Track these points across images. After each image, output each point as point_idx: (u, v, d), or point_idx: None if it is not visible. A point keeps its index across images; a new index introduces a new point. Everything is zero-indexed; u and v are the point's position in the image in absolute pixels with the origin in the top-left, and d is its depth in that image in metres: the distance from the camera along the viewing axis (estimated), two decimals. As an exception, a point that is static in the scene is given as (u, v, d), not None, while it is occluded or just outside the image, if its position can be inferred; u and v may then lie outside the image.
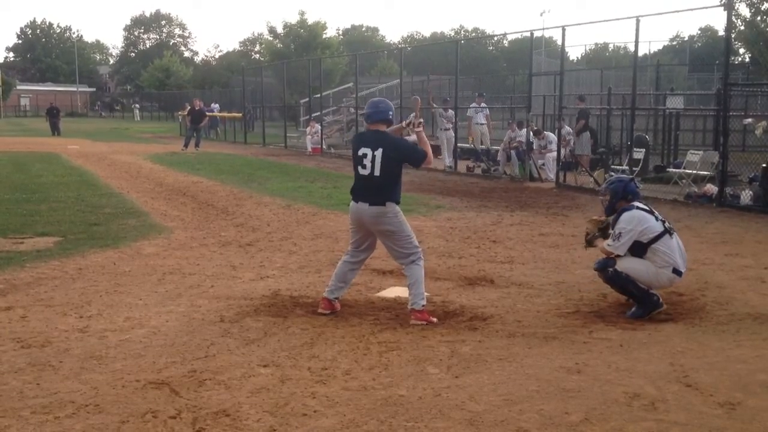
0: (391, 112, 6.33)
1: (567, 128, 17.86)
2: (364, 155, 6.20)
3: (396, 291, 7.07)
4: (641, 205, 6.49)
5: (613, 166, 16.42)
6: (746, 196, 12.76)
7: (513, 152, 18.52)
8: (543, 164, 17.77)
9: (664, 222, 6.39)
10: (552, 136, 17.76)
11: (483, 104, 21.62)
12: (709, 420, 4.18)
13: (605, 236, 6.71)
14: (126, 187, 15.64)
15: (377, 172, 6.13)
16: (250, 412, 4.27)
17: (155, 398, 4.47)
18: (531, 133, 17.90)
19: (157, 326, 5.98)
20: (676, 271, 6.31)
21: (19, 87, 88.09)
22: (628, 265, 6.31)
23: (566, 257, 8.76)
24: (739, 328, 5.91)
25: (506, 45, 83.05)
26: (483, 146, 20.96)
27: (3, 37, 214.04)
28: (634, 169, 15.51)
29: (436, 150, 23.16)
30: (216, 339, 5.65)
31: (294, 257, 8.84)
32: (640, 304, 6.29)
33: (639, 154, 16.32)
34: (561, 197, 14.63)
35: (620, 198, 6.60)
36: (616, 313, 6.37)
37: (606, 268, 6.39)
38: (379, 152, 6.11)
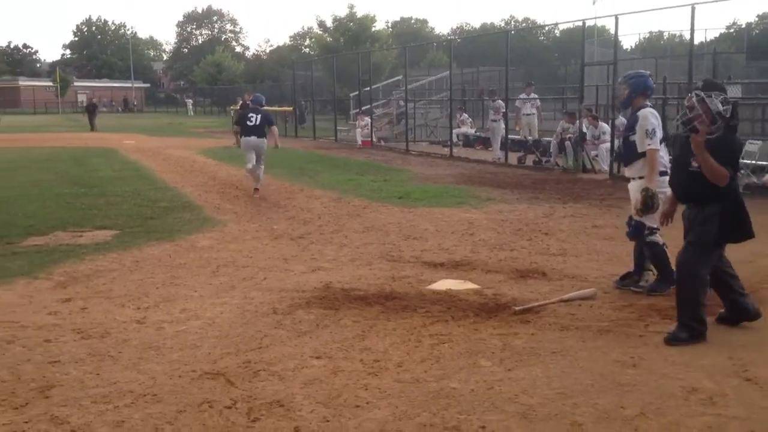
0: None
1: (621, 118, 17.53)
2: (250, 117, 13.76)
3: (447, 283, 7.06)
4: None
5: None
6: (808, 186, 12.39)
7: (566, 143, 18.28)
8: (596, 155, 17.51)
9: None
10: (606, 127, 17.47)
11: (533, 94, 21.36)
12: (769, 416, 4.08)
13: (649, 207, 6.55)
14: (180, 181, 15.91)
15: (258, 123, 13.62)
16: (303, 403, 4.32)
17: (211, 388, 4.55)
18: (584, 124, 17.64)
19: (211, 318, 6.08)
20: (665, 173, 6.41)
21: (76, 83, 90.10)
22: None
23: (621, 249, 8.61)
24: (800, 322, 5.76)
25: (558, 35, 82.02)
26: (531, 137, 20.73)
27: (60, 35, 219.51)
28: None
29: (486, 142, 23.06)
30: (269, 331, 5.72)
31: (345, 250, 8.88)
32: (660, 276, 6.49)
33: (695, 144, 15.96)
34: (615, 188, 14.38)
35: (639, 93, 6.64)
36: (673, 306, 6.25)
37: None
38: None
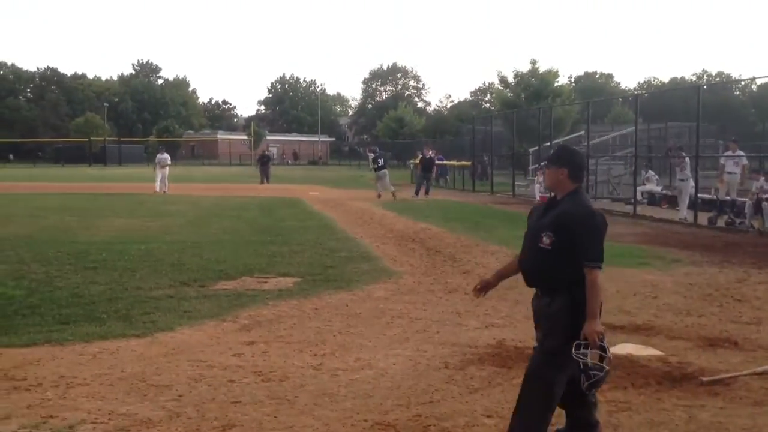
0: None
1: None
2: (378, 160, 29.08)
3: (627, 348, 6.73)
4: None
5: None
6: None
7: (763, 204, 17.06)
8: (797, 217, 16.20)
9: None
10: (808, 187, 16.17)
11: (739, 151, 20.17)
12: None
13: None
14: (360, 232, 16.37)
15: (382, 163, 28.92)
16: (472, 463, 4.23)
17: (381, 440, 4.58)
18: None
19: (384, 368, 6.15)
20: None
21: (268, 137, 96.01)
22: None
23: (825, 321, 7.87)
24: None
25: (755, 89, 77.47)
26: (728, 197, 19.51)
27: (256, 92, 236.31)
28: None
29: (673, 201, 22.00)
30: (440, 385, 5.69)
31: (519, 307, 8.70)
32: None
33: None
34: (819, 254, 13.21)
35: None
36: None
37: None
38: None
